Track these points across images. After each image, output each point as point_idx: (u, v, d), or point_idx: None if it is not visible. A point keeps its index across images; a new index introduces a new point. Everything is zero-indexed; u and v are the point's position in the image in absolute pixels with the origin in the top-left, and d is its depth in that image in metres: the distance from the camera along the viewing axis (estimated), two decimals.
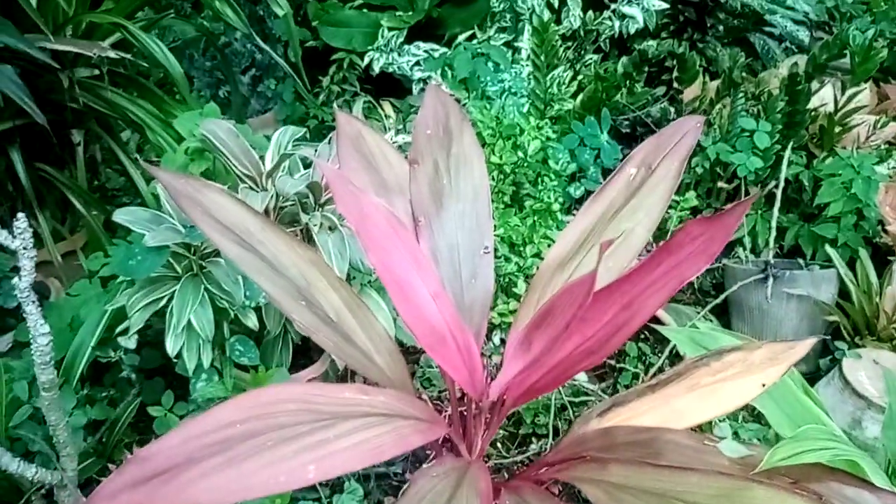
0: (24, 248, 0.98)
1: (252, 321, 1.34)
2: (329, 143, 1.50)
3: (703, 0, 2.37)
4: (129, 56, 1.62)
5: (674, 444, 0.93)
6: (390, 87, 2.41)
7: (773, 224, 1.85)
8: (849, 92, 2.01)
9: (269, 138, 1.52)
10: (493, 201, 1.80)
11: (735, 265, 1.82)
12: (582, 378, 1.61)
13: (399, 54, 2.28)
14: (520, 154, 1.85)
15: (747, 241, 1.90)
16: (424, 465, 0.97)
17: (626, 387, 1.62)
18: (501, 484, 1.01)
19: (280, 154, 1.46)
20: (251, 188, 1.40)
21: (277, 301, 1.01)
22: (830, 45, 2.00)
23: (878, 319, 1.68)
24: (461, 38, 2.26)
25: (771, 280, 1.72)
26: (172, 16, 2.11)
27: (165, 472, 0.72)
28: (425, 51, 2.26)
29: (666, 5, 2.28)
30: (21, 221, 0.97)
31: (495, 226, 1.73)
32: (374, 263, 1.00)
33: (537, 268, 1.23)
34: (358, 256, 1.38)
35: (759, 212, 1.92)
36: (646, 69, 2.16)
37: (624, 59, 2.15)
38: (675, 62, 2.19)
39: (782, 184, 1.89)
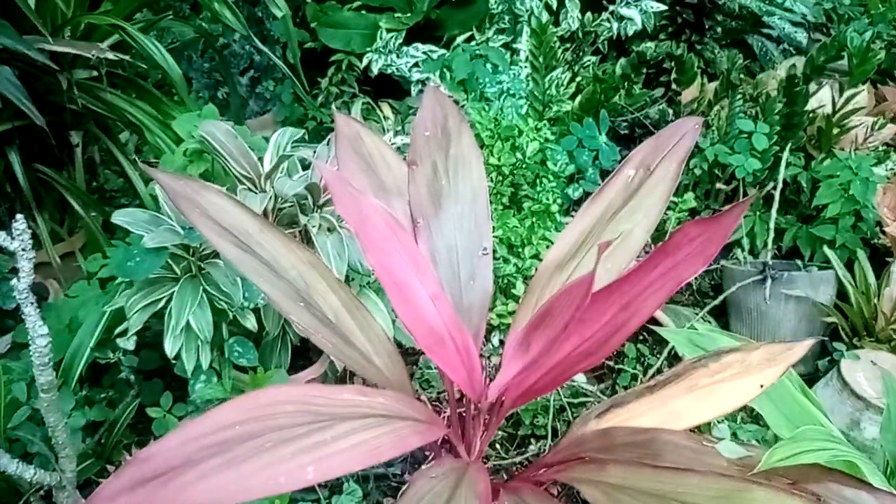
0: (23, 250, 0.98)
1: (251, 322, 1.34)
2: (328, 144, 1.50)
3: (701, 2, 2.37)
4: (127, 57, 1.62)
5: (672, 445, 0.93)
6: (389, 88, 2.41)
7: (772, 225, 1.86)
8: (847, 94, 2.01)
9: (267, 140, 1.52)
10: (491, 203, 1.80)
11: (733, 266, 1.83)
12: (580, 379, 1.61)
13: (398, 56, 2.28)
14: (518, 155, 1.85)
15: (745, 242, 1.90)
16: (423, 467, 0.97)
17: (625, 388, 1.62)
18: (500, 485, 1.01)
19: (279, 155, 1.46)
20: (250, 189, 1.40)
21: (276, 302, 1.01)
22: (828, 47, 2.01)
23: (876, 321, 1.68)
24: (460, 39, 2.26)
25: (769, 281, 1.72)
26: (171, 17, 2.11)
27: (164, 474, 0.72)
28: (424, 52, 2.26)
29: (664, 7, 2.28)
30: (20, 223, 0.97)
31: (494, 227, 1.73)
32: (372, 265, 1.00)
33: (536, 269, 1.23)
34: (357, 258, 1.38)
35: (758, 213, 1.92)
36: (644, 71, 2.16)
37: (622, 60, 2.15)
38: (673, 64, 2.20)
39: (780, 185, 1.90)
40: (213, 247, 1.22)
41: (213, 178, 1.52)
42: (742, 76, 2.21)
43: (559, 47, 2.12)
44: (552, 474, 1.03)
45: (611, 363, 1.71)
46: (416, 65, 2.24)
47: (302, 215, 1.39)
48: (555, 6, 2.24)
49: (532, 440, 1.54)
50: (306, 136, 1.89)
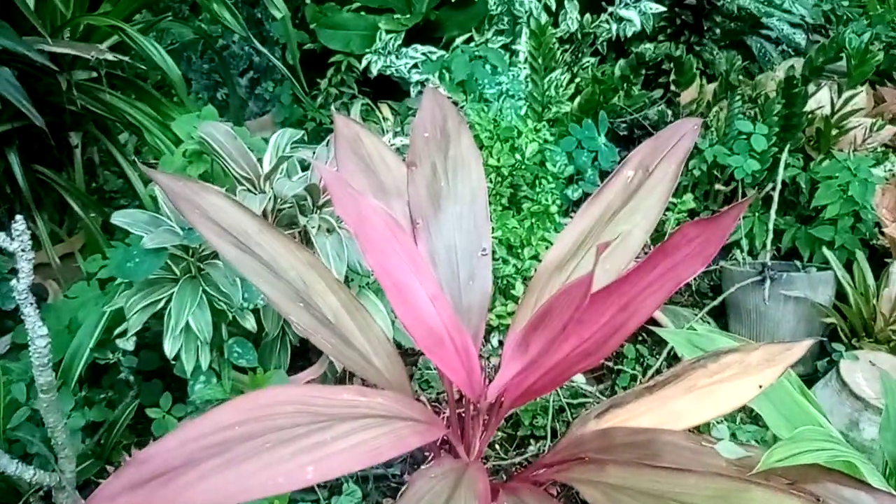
0: (23, 250, 0.98)
1: (250, 323, 1.34)
2: (327, 145, 1.50)
3: (699, 3, 2.37)
4: (126, 58, 1.62)
5: (671, 446, 0.93)
6: (388, 89, 2.41)
7: (770, 226, 1.86)
8: (845, 95, 2.01)
9: (266, 141, 1.52)
10: (490, 203, 1.80)
11: (732, 267, 1.83)
12: (580, 380, 1.61)
13: (397, 57, 2.28)
14: (517, 156, 1.85)
15: (744, 243, 1.90)
16: (422, 467, 0.97)
17: (624, 388, 1.62)
18: (499, 485, 1.02)
19: (278, 156, 1.46)
20: (249, 190, 1.41)
21: (276, 303, 1.01)
22: (827, 49, 2.01)
23: (875, 321, 1.68)
24: (459, 40, 2.26)
25: (768, 282, 1.72)
26: (170, 18, 2.11)
27: (164, 475, 0.72)
28: (423, 53, 2.26)
29: (663, 8, 2.28)
30: (19, 223, 0.97)
31: (493, 228, 1.73)
32: (372, 265, 1.00)
33: (535, 270, 1.23)
34: (356, 259, 1.38)
35: (757, 214, 1.93)
36: (643, 72, 2.16)
37: (621, 61, 2.16)
38: (672, 65, 2.20)
39: (779, 186, 1.90)
40: (212, 247, 1.22)
41: (213, 179, 1.52)
42: (741, 77, 2.21)
43: (558, 48, 2.12)
44: (551, 474, 1.03)
45: (610, 364, 1.71)
46: (415, 66, 2.25)
47: (301, 216, 1.39)
48: (554, 7, 2.25)
49: (531, 441, 1.55)
50: (305, 137, 1.90)
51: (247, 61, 2.47)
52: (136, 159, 1.84)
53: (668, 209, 1.84)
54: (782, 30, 2.52)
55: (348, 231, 1.38)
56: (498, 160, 1.82)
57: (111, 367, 1.42)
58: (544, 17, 2.21)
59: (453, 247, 1.19)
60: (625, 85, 2.15)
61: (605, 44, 2.36)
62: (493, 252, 1.68)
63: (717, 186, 2.01)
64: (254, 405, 0.80)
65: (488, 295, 1.17)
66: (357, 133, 1.25)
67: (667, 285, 0.92)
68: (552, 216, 1.81)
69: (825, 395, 1.51)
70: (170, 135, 1.65)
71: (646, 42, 2.27)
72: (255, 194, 1.39)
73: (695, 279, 1.95)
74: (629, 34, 2.28)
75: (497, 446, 1.54)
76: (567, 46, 2.32)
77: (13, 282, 0.98)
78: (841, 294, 1.75)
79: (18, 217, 0.98)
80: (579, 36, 2.31)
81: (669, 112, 2.15)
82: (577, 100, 2.11)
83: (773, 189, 1.90)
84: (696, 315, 1.77)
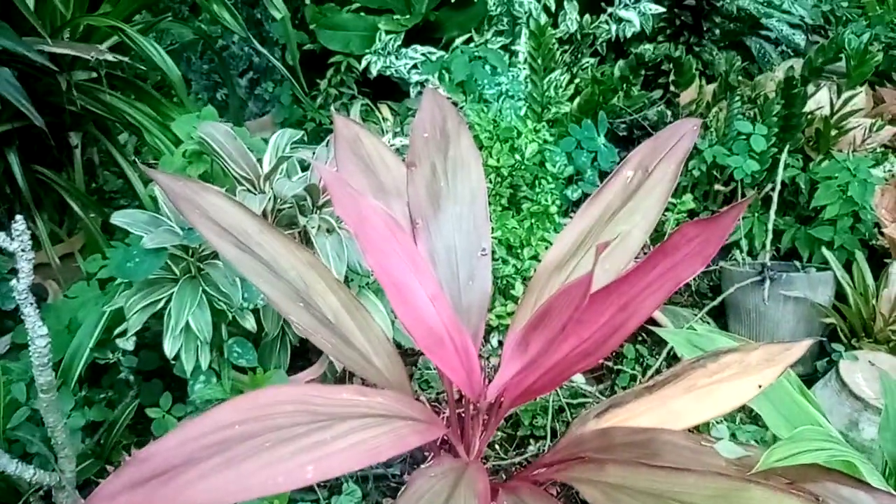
0: (23, 250, 0.98)
1: (250, 323, 1.34)
2: (327, 146, 1.50)
3: (699, 4, 2.37)
4: (126, 59, 1.62)
5: (671, 445, 0.93)
6: (388, 90, 2.42)
7: (770, 227, 1.86)
8: (844, 95, 2.01)
9: (266, 141, 1.52)
10: (490, 204, 1.80)
11: (732, 268, 1.83)
12: (580, 380, 1.61)
13: (396, 57, 2.28)
14: (517, 157, 1.85)
15: (744, 243, 1.90)
16: (422, 466, 0.97)
17: (624, 388, 1.62)
18: (499, 484, 1.02)
19: (278, 157, 1.46)
20: (249, 191, 1.41)
21: (276, 303, 1.01)
22: (826, 49, 2.01)
23: (874, 321, 1.68)
24: (458, 41, 2.26)
25: (768, 282, 1.73)
26: (170, 19, 2.11)
27: (164, 474, 0.72)
28: (423, 54, 2.26)
29: (662, 9, 2.28)
30: (19, 223, 0.97)
31: (493, 228, 1.73)
32: (371, 265, 1.00)
33: (535, 270, 1.23)
34: (356, 259, 1.38)
35: (756, 214, 1.93)
36: (642, 72, 2.17)
37: (621, 62, 2.16)
38: (671, 66, 2.20)
39: (779, 187, 1.90)
40: (212, 247, 1.22)
41: (213, 180, 1.52)
42: (740, 78, 2.22)
43: (558, 49, 2.12)
44: (551, 474, 1.04)
45: (610, 364, 1.71)
46: (414, 66, 2.25)
47: (301, 216, 1.39)
48: (553, 8, 2.25)
49: (531, 441, 1.55)
50: (305, 138, 1.90)
51: (246, 62, 2.48)
52: (136, 159, 1.84)
53: (667, 209, 1.84)
54: (782, 30, 2.52)
55: (348, 231, 1.38)
56: (497, 160, 1.82)
57: (111, 366, 1.42)
58: (544, 18, 2.21)
59: (453, 247, 1.19)
60: (624, 85, 2.15)
61: (604, 44, 2.36)
62: (493, 252, 1.68)
63: (717, 187, 2.01)
64: (253, 404, 0.80)
65: (488, 295, 1.17)
66: (357, 133, 1.25)
67: (666, 285, 0.92)
68: (552, 216, 1.81)
69: (825, 396, 1.51)
70: (169, 135, 1.65)
71: (645, 43, 2.28)
72: (254, 194, 1.39)
73: (694, 279, 1.95)
74: (629, 35, 2.28)
75: (497, 446, 1.54)
76: (566, 47, 2.32)
77: (13, 282, 0.98)
78: (840, 294, 1.75)
79: (18, 217, 0.98)
80: (579, 36, 2.31)
81: (669, 112, 2.15)
82: (577, 100, 2.12)
83: (773, 189, 1.91)
84: (696, 315, 1.78)
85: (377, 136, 1.28)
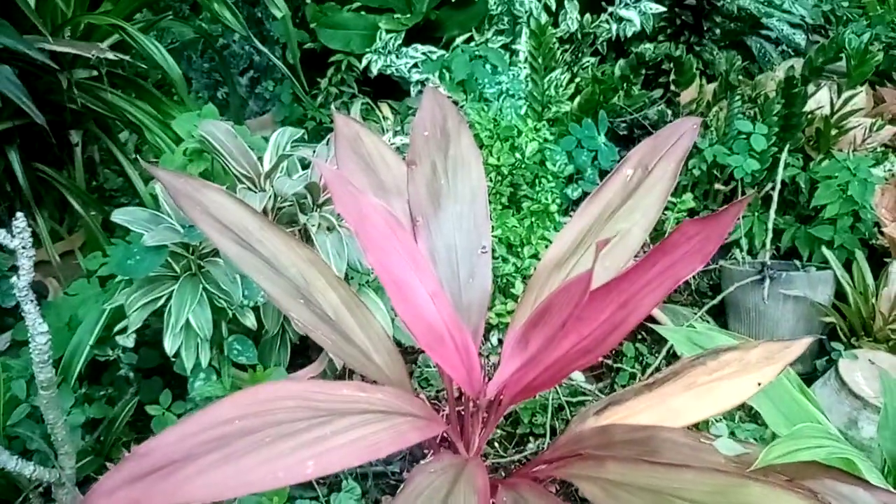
0: (23, 248, 0.98)
1: (250, 320, 1.35)
2: (327, 144, 1.51)
3: (699, 3, 2.37)
4: (127, 57, 1.62)
5: (670, 442, 0.93)
6: (388, 89, 2.42)
7: (770, 226, 1.86)
8: (845, 95, 2.01)
9: (267, 139, 1.52)
10: (490, 202, 1.81)
11: (732, 267, 1.83)
12: (579, 378, 1.61)
13: (397, 56, 2.28)
14: (517, 156, 1.85)
15: (744, 242, 1.90)
16: (422, 462, 0.97)
17: (623, 387, 1.63)
18: (499, 481, 1.02)
19: (278, 155, 1.46)
20: (249, 189, 1.41)
21: (276, 300, 1.01)
22: (827, 49, 2.01)
23: (874, 320, 1.68)
24: (459, 40, 2.26)
25: (767, 281, 1.73)
26: (171, 17, 2.11)
27: (163, 469, 0.72)
28: (423, 53, 2.26)
29: (663, 9, 2.29)
30: (20, 221, 0.97)
31: (493, 227, 1.73)
32: (372, 263, 1.01)
33: (535, 268, 1.24)
34: (356, 257, 1.39)
35: (756, 214, 1.93)
36: (643, 72, 2.17)
37: (621, 61, 2.16)
38: (672, 65, 2.20)
39: (779, 186, 1.90)
40: (213, 244, 1.22)
41: (213, 178, 1.53)
42: (741, 77, 2.22)
43: (558, 48, 2.12)
44: (551, 471, 1.04)
45: (609, 362, 1.71)
46: (415, 65, 2.25)
47: (301, 214, 1.39)
48: (554, 7, 2.25)
49: (530, 438, 1.55)
50: (306, 136, 1.90)
51: (247, 60, 2.48)
52: (137, 157, 1.84)
53: (667, 208, 1.85)
54: (782, 30, 2.52)
55: (348, 229, 1.38)
56: (498, 159, 1.82)
57: (111, 364, 1.43)
58: (544, 17, 2.21)
59: (453, 245, 1.19)
60: (625, 85, 2.15)
61: (605, 44, 2.36)
62: (493, 251, 1.68)
63: (717, 186, 2.01)
64: (253, 400, 0.80)
65: (488, 293, 1.18)
66: (357, 132, 1.25)
67: (666, 283, 0.92)
68: (552, 215, 1.81)
69: (824, 394, 1.51)
70: (170, 133, 1.65)
71: (646, 42, 2.28)
72: (255, 193, 1.39)
73: (694, 278, 1.95)
74: (629, 34, 2.28)
75: (496, 444, 1.54)
76: (567, 46, 2.32)
77: (13, 279, 0.98)
78: (840, 293, 1.75)
79: (19, 214, 0.98)
80: (579, 36, 2.32)
81: (669, 112, 2.15)
82: (577, 99, 2.12)
83: (773, 189, 1.91)
84: (696, 314, 1.78)
85: (377, 135, 1.28)
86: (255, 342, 1.38)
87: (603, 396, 1.52)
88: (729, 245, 1.92)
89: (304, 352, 1.55)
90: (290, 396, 0.82)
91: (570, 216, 1.21)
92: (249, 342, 1.37)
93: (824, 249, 1.79)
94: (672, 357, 1.66)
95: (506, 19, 2.32)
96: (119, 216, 1.32)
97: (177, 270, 1.34)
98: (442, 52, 2.25)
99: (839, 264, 1.77)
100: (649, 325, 1.48)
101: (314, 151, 1.52)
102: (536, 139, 1.88)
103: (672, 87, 2.26)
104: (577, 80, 2.20)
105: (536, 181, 1.87)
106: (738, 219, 1.80)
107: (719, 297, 1.80)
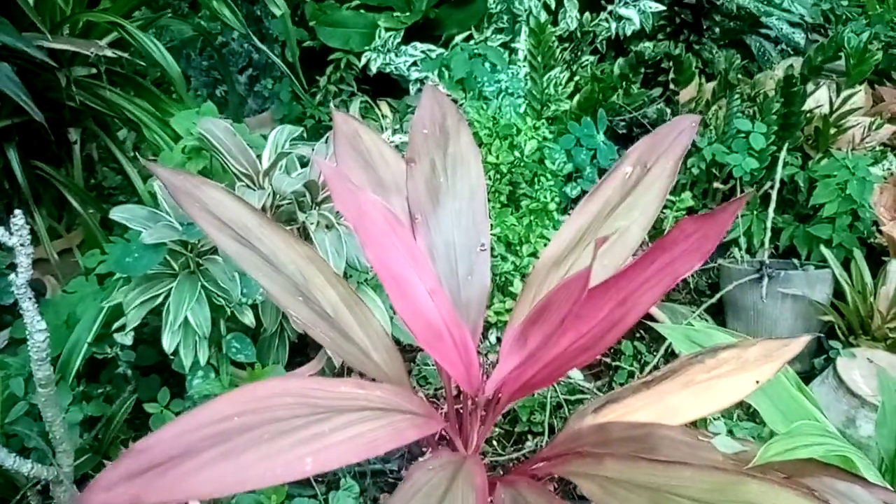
0: (21, 245, 0.98)
1: (249, 318, 1.35)
2: (326, 142, 1.50)
3: (699, 2, 2.37)
4: (126, 55, 1.62)
5: (668, 440, 0.93)
6: (387, 87, 2.42)
7: (769, 224, 1.86)
8: (844, 94, 2.02)
9: (266, 137, 1.52)
10: (489, 201, 1.80)
11: (730, 265, 1.83)
12: (577, 376, 1.61)
13: (396, 55, 2.28)
14: (516, 154, 1.85)
15: (743, 241, 1.90)
16: (420, 459, 0.97)
17: (622, 385, 1.62)
18: (497, 479, 1.02)
19: (277, 153, 1.46)
20: (248, 186, 1.41)
21: (275, 297, 1.01)
22: (826, 48, 2.01)
23: (872, 319, 1.68)
24: (458, 38, 2.27)
25: (766, 280, 1.73)
26: (170, 15, 2.11)
27: (161, 465, 0.72)
28: (422, 51, 2.27)
29: (662, 7, 2.29)
30: (18, 218, 0.97)
31: (492, 225, 1.73)
32: (371, 260, 1.00)
33: (533, 267, 1.24)
34: (355, 255, 1.39)
35: (755, 212, 1.93)
36: (642, 70, 2.17)
37: (620, 60, 2.16)
38: (671, 64, 2.20)
39: (777, 184, 1.90)
40: (212, 242, 1.22)
41: (212, 176, 1.53)
42: (740, 76, 2.22)
43: (557, 47, 2.12)
44: (549, 468, 1.04)
45: (608, 360, 1.71)
46: (414, 64, 2.25)
47: (300, 212, 1.39)
48: (553, 6, 2.25)
49: (529, 436, 1.55)
50: (304, 134, 1.90)
51: (246, 58, 2.48)
52: (136, 155, 1.84)
53: (666, 207, 1.85)
54: (781, 29, 2.53)
55: (347, 227, 1.38)
56: (497, 157, 1.82)
57: (109, 361, 1.43)
58: (544, 16, 2.21)
59: (452, 243, 1.19)
60: (624, 83, 2.15)
61: (604, 42, 2.36)
62: (492, 249, 1.68)
63: (716, 185, 2.01)
64: (252, 396, 0.80)
65: (487, 290, 1.17)
66: (356, 130, 1.25)
67: (664, 281, 0.92)
68: (551, 213, 1.81)
69: (822, 393, 1.51)
70: (169, 131, 1.65)
71: (645, 41, 2.28)
72: (254, 190, 1.39)
73: (693, 277, 1.96)
74: (628, 33, 2.29)
75: (494, 442, 1.54)
76: (566, 45, 2.32)
77: (12, 276, 0.98)
78: (838, 292, 1.75)
79: (17, 212, 0.98)
80: (579, 34, 2.32)
81: (668, 110, 2.16)
82: (577, 98, 2.12)
83: (772, 187, 1.91)
84: (694, 312, 1.78)
85: (376, 132, 1.28)
86: (253, 340, 1.38)
87: (601, 394, 1.52)
88: (728, 244, 1.93)
89: (302, 350, 1.55)
90: (289, 393, 0.82)
91: (569, 214, 1.21)
92: (248, 340, 1.37)
93: (823, 248, 1.80)
94: (670, 355, 1.66)
95: (505, 17, 2.32)
96: (117, 214, 1.32)
97: (175, 268, 1.34)
98: (441, 50, 2.25)
99: (837, 263, 1.77)
100: (648, 323, 1.48)
101: (313, 149, 1.52)
102: (535, 137, 1.88)
103: (671, 86, 2.26)
104: (577, 78, 2.20)
105: (535, 179, 1.87)
106: (737, 217, 1.80)
107: (718, 296, 1.80)
